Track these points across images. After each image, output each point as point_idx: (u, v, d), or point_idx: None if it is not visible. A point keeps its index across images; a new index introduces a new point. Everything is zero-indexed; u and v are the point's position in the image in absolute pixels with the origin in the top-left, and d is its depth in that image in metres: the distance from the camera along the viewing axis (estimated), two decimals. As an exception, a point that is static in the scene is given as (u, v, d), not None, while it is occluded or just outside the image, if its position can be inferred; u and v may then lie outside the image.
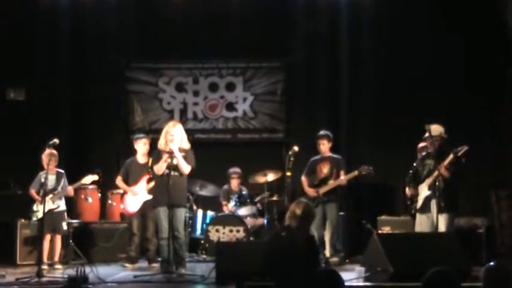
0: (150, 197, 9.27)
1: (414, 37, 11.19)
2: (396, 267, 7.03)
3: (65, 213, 9.67)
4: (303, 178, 9.88)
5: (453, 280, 4.36)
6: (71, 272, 7.62)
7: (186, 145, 8.59)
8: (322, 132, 9.87)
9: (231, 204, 10.62)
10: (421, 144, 8.94)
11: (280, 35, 11.82)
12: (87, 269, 7.54)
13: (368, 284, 7.30)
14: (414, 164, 8.77)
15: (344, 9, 11.55)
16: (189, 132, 8.89)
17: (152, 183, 9.24)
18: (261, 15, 11.66)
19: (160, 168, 8.44)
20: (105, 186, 10.62)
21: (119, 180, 9.78)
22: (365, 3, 11.49)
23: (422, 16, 11.16)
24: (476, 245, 9.09)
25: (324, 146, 9.79)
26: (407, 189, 8.85)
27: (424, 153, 8.74)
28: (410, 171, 8.78)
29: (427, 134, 8.40)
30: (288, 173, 9.44)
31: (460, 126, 9.75)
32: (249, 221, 10.41)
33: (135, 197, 9.57)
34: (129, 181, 9.69)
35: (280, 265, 6.44)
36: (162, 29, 11.77)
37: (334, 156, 9.87)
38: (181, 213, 8.56)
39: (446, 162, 8.19)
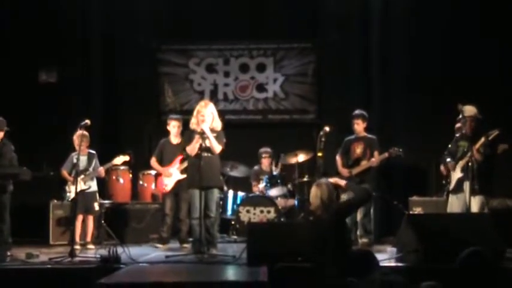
0: (183, 177, 9.27)
1: (447, 16, 11.03)
2: (428, 248, 6.98)
3: (97, 194, 9.74)
4: (338, 158, 9.78)
5: (489, 260, 4.31)
6: (103, 252, 7.69)
7: (218, 125, 8.54)
8: (357, 112, 9.70)
9: (262, 184, 10.59)
10: (458, 125, 8.82)
11: (312, 15, 11.74)
12: (119, 249, 7.59)
13: (400, 264, 7.26)
14: (449, 146, 8.69)
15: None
16: (220, 113, 8.82)
17: (185, 164, 9.24)
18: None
19: (193, 149, 8.39)
20: (137, 167, 10.67)
21: (153, 161, 9.78)
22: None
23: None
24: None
25: (359, 126, 9.64)
26: (442, 167, 8.78)
27: (457, 135, 8.64)
28: (446, 153, 8.71)
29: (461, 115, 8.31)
30: (319, 154, 9.37)
31: (493, 108, 9.58)
32: (280, 202, 10.40)
33: (169, 177, 9.60)
34: (164, 162, 9.70)
35: (316, 249, 6.46)
36: (192, 11, 11.75)
37: (369, 136, 9.72)
38: (215, 194, 8.54)
39: (478, 145, 8.10)
